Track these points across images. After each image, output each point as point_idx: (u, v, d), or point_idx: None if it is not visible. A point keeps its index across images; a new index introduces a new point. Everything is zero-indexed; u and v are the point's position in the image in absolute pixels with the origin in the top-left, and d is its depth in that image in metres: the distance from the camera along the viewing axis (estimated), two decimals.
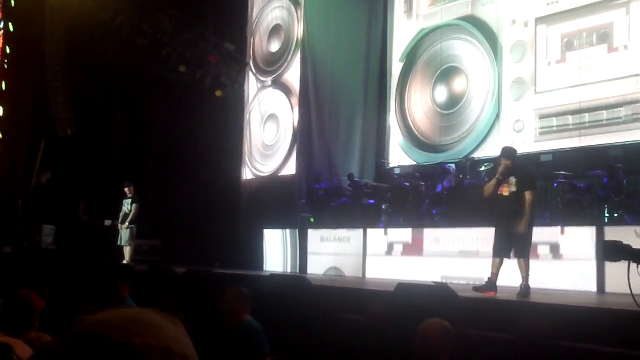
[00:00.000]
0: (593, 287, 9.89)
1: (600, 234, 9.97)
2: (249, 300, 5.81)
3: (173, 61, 18.59)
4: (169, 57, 18.47)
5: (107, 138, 21.25)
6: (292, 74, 18.24)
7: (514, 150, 9.32)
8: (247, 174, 19.22)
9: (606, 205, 11.83)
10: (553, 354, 6.09)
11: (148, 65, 19.21)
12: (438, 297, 7.29)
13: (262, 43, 19.41)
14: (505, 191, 8.78)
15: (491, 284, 8.82)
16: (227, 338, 5.63)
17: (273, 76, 18.86)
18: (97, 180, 20.17)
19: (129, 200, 15.45)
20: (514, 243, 8.69)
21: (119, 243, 15.43)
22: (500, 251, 8.82)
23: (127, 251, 15.37)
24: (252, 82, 19.58)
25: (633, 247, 6.25)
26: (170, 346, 1.07)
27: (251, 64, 19.53)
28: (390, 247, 13.16)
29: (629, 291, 6.30)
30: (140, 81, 20.07)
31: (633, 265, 6.15)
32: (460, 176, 13.96)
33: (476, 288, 8.87)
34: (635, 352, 5.22)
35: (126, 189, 15.59)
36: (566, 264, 10.38)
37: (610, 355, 5.76)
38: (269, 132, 18.80)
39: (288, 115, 18.19)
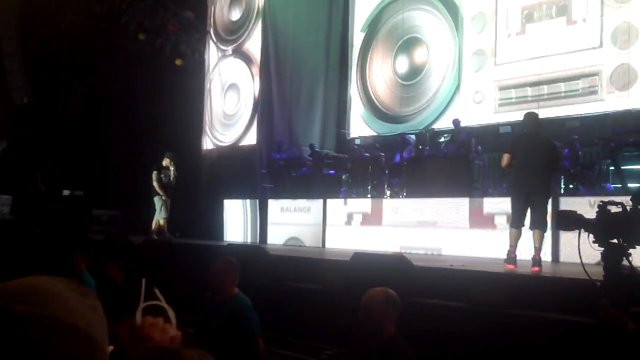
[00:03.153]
0: (548, 257, 10.00)
1: (556, 205, 10.07)
2: (237, 272, 5.50)
3: (132, 29, 18.30)
4: (128, 25, 18.19)
5: (65, 107, 20.89)
6: (253, 44, 18.08)
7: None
8: (207, 144, 19.08)
9: (562, 177, 11.98)
10: (505, 322, 6.18)
11: (107, 33, 18.88)
12: (394, 267, 7.33)
13: (223, 11, 19.18)
14: None
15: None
16: (215, 313, 5.37)
17: (234, 45, 18.68)
18: (55, 150, 19.85)
19: (171, 172, 14.41)
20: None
21: (161, 217, 14.52)
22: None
23: (163, 223, 14.59)
24: (212, 51, 19.37)
25: (586, 216, 6.34)
26: (59, 316, 1.00)
27: (212, 33, 19.31)
28: (349, 218, 13.19)
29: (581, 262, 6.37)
30: (99, 49, 19.73)
31: (585, 235, 6.23)
32: (420, 147, 14.01)
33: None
34: (583, 319, 5.31)
35: (168, 160, 14.48)
36: (523, 233, 10.47)
37: (560, 322, 5.86)
38: (229, 101, 18.65)
39: (249, 85, 18.06)
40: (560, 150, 10.28)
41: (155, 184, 14.32)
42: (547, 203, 8.42)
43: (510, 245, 8.49)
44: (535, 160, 8.28)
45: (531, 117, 8.93)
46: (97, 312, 1.09)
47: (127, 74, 20.18)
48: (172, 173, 14.36)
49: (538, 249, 8.21)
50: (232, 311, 5.32)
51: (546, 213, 8.41)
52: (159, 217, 14.51)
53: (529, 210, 8.40)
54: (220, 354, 3.16)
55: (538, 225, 8.30)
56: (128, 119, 20.14)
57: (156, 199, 14.40)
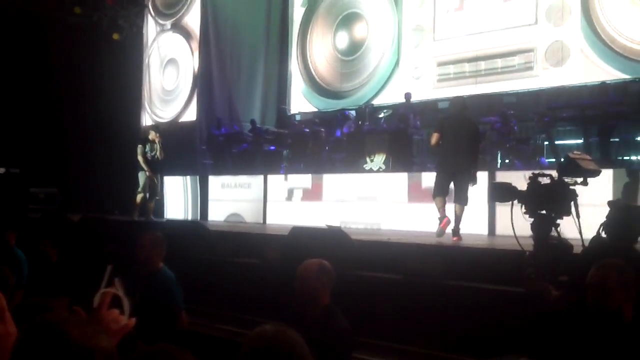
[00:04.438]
0: (485, 230, 10.21)
1: (492, 179, 10.24)
2: (165, 246, 5.58)
3: (68, 2, 17.87)
4: None
5: None
6: (192, 18, 17.85)
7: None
8: (146, 120, 18.83)
9: (498, 151, 12.20)
10: (440, 292, 6.30)
11: (41, 6, 18.40)
12: (331, 240, 7.40)
13: None
14: None
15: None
16: (139, 286, 5.39)
17: (173, 19, 18.42)
18: None
19: (158, 146, 13.52)
20: None
21: (143, 192, 13.49)
22: None
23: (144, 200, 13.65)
24: (151, 26, 19.06)
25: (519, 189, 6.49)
26: None
27: (150, 7, 18.98)
28: (290, 193, 13.21)
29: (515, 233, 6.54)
30: (33, 23, 19.22)
31: (519, 208, 6.38)
32: (360, 122, 14.09)
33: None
34: (514, 289, 5.45)
35: (154, 134, 13.69)
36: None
37: (492, 292, 6.01)
38: (168, 77, 18.42)
39: (188, 60, 17.85)
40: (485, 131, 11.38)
41: (139, 158, 13.41)
42: (469, 180, 8.89)
43: (439, 209, 8.97)
44: (461, 141, 8.80)
45: (458, 100, 9.71)
46: None
47: (62, 49, 19.73)
48: (158, 147, 13.51)
49: (459, 221, 8.87)
50: (157, 285, 5.37)
51: (467, 189, 8.90)
52: (142, 193, 13.57)
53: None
54: (144, 328, 3.16)
55: (460, 200, 8.88)
56: (64, 94, 19.73)
57: (140, 175, 13.56)
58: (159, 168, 13.67)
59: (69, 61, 19.34)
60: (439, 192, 8.97)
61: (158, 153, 13.44)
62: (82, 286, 4.46)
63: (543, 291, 4.41)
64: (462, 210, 8.91)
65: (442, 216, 8.92)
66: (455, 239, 8.68)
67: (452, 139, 8.84)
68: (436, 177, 9.16)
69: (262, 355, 1.96)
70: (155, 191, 13.62)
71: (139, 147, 13.45)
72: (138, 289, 5.30)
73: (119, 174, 17.49)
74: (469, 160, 8.94)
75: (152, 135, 13.58)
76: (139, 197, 13.57)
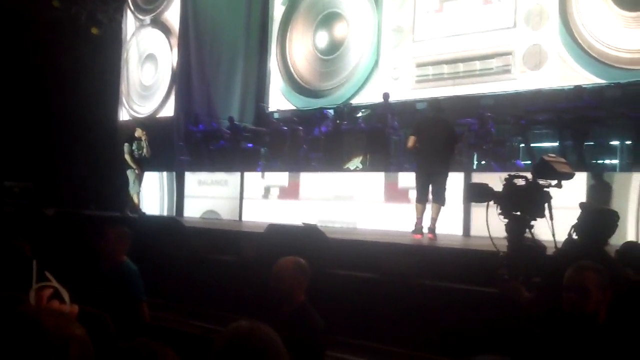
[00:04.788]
0: (460, 231, 10.28)
1: (468, 181, 10.31)
2: (129, 241, 5.65)
3: None
4: None
5: None
6: (172, 14, 17.80)
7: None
8: (124, 115, 18.73)
9: (475, 153, 12.27)
10: (415, 292, 6.34)
11: (18, 1, 18.24)
12: (307, 238, 7.41)
13: None
14: None
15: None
16: (102, 280, 5.46)
17: (152, 15, 18.35)
18: None
19: (144, 143, 13.28)
20: None
21: (134, 190, 13.44)
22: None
23: (136, 199, 13.57)
24: (130, 21, 18.98)
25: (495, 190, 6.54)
26: None
27: (129, 2, 18.89)
28: (267, 191, 13.22)
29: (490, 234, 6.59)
30: (10, 16, 19.04)
31: (494, 209, 6.42)
32: (338, 121, 14.11)
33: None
34: (487, 289, 5.49)
35: (141, 131, 13.43)
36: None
37: (468, 293, 6.05)
38: (147, 72, 18.34)
39: (167, 55, 17.79)
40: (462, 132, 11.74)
41: (126, 156, 13.24)
42: (446, 181, 9.22)
43: (417, 218, 9.33)
44: (437, 142, 9.09)
45: (433, 103, 10.25)
46: None
47: (39, 43, 19.56)
48: (144, 144, 13.29)
49: (434, 220, 9.17)
50: (119, 278, 5.43)
51: (445, 190, 9.22)
52: (134, 192, 13.48)
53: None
54: None
55: (437, 200, 9.18)
56: (41, 88, 19.57)
57: (129, 173, 13.34)
58: (145, 165, 13.54)
59: (46, 55, 19.19)
60: (421, 198, 9.26)
61: (145, 151, 13.25)
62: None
63: (515, 292, 4.45)
64: (439, 210, 9.18)
65: (419, 227, 9.25)
66: (430, 236, 9.03)
67: (429, 141, 9.06)
68: (416, 180, 9.40)
69: (236, 351, 1.97)
70: (140, 186, 13.58)
71: (126, 145, 13.28)
72: (99, 283, 5.40)
73: (95, 168, 17.40)
74: (447, 161, 9.23)
75: (138, 132, 13.41)
76: (135, 195, 13.46)
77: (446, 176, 9.20)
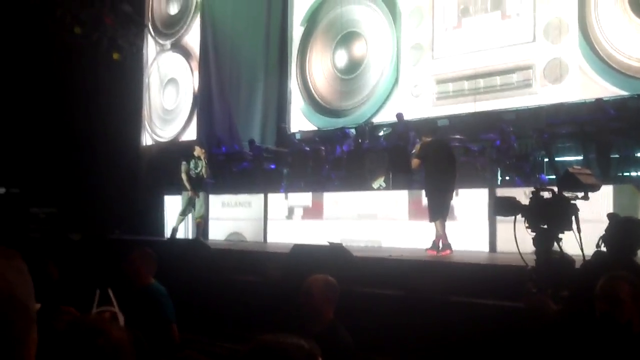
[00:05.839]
0: (486, 247, 10.22)
1: (493, 196, 10.27)
2: (155, 263, 5.69)
3: (68, 22, 17.97)
4: (63, 17, 17.84)
5: None
6: (192, 38, 17.97)
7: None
8: (147, 139, 18.89)
9: (498, 168, 12.22)
10: (442, 308, 6.30)
11: (41, 26, 18.50)
12: (333, 257, 7.41)
13: (161, 5, 19.01)
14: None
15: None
16: (130, 302, 5.48)
17: (172, 39, 18.54)
18: None
19: (203, 162, 12.99)
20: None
21: (197, 216, 13.04)
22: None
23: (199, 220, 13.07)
24: (151, 46, 19.19)
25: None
26: None
27: (150, 27, 19.11)
28: (291, 212, 13.23)
29: (517, 250, 6.55)
30: (34, 43, 19.32)
31: (522, 223, 6.39)
32: (360, 140, 14.12)
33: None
34: (516, 304, 5.45)
35: (200, 149, 13.17)
36: (460, 225, 10.68)
37: (494, 308, 6.01)
38: (168, 96, 18.50)
39: (188, 79, 17.94)
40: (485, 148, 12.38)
41: (183, 176, 12.75)
42: (451, 198, 9.73)
43: (442, 235, 9.52)
44: (445, 162, 9.56)
45: (433, 126, 11.18)
46: (23, 274, 1.12)
47: (63, 69, 19.81)
48: (203, 163, 12.87)
49: (444, 236, 9.46)
50: (147, 300, 5.46)
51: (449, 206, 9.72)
52: (182, 217, 13.18)
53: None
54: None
55: (438, 217, 9.48)
56: (65, 114, 19.80)
57: (182, 196, 13.05)
58: (203, 186, 13.08)
59: (69, 81, 19.41)
60: (441, 215, 9.53)
61: (203, 170, 12.84)
62: (83, 303, 4.50)
63: (542, 305, 4.41)
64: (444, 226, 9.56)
65: (447, 243, 9.40)
66: (447, 252, 9.28)
67: (437, 161, 9.50)
68: (437, 199, 9.57)
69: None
70: (201, 209, 13.06)
71: (183, 165, 12.82)
72: (129, 305, 5.40)
73: (119, 193, 17.53)
74: (453, 179, 9.63)
75: (197, 151, 12.99)
76: (178, 219, 13.10)
77: (452, 193, 9.73)
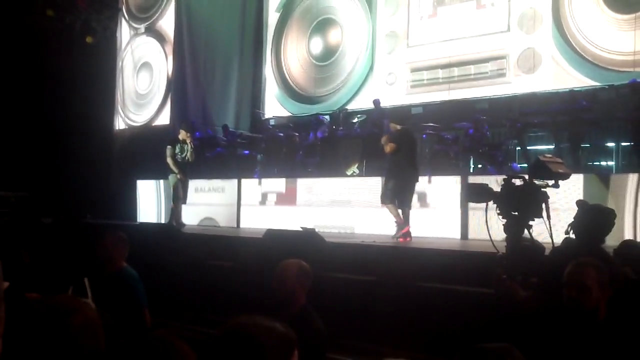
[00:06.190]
0: (457, 234, 10.31)
1: (465, 184, 10.35)
2: (127, 247, 5.66)
3: (40, 4, 17.74)
4: (35, 0, 17.61)
5: None
6: (167, 22, 17.82)
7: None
8: (120, 123, 18.75)
9: (471, 157, 12.31)
10: (413, 294, 6.36)
11: (13, 9, 18.24)
12: (306, 242, 7.44)
13: None
14: None
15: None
16: (102, 286, 5.46)
17: (147, 23, 18.38)
18: None
19: (189, 147, 12.54)
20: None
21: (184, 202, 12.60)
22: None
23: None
24: (124, 29, 19.00)
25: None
26: None
27: (124, 10, 18.92)
28: (264, 197, 13.23)
29: (488, 237, 6.62)
30: (4, 25, 19.05)
31: (493, 211, 6.45)
32: (334, 127, 14.14)
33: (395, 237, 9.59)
34: (488, 290, 5.51)
35: (185, 133, 12.67)
36: (433, 212, 10.77)
37: (466, 294, 6.07)
38: (142, 81, 18.36)
39: (162, 63, 17.81)
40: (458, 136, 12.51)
41: (169, 160, 12.34)
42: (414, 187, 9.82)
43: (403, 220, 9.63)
44: (414, 152, 9.86)
45: (406, 117, 11.30)
46: None
47: (35, 52, 19.57)
48: (189, 148, 12.49)
49: (403, 221, 9.55)
50: (119, 284, 5.43)
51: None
52: (177, 201, 12.58)
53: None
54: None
55: (408, 204, 9.67)
56: (36, 97, 19.58)
57: (170, 179, 12.53)
58: (189, 171, 12.72)
59: (41, 64, 19.19)
60: (409, 202, 9.69)
61: (189, 155, 12.49)
62: (53, 286, 4.49)
63: (511, 291, 4.47)
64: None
65: (408, 230, 9.48)
66: (409, 239, 9.35)
67: (409, 149, 9.70)
68: (405, 186, 9.63)
69: (232, 342, 1.94)
70: (184, 195, 12.67)
71: (168, 149, 12.45)
72: (101, 289, 5.39)
73: (92, 177, 17.41)
74: (418, 169, 9.84)
75: (182, 135, 12.61)
76: (178, 205, 12.55)
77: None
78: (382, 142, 9.95)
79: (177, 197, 12.50)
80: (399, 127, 9.87)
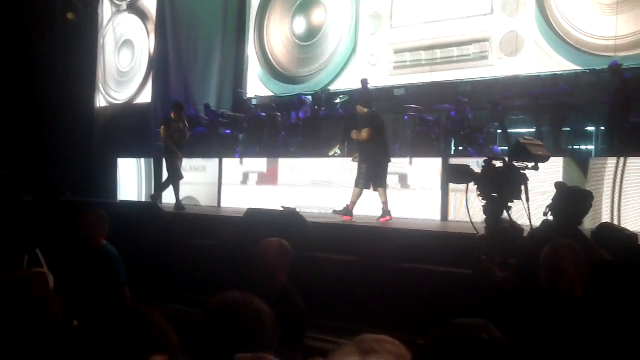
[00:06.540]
0: (437, 216, 10.38)
1: (446, 165, 10.41)
2: (107, 224, 5.65)
3: None
4: None
5: None
6: None
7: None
8: (100, 101, 18.62)
9: (452, 138, 12.35)
10: (393, 274, 6.40)
11: None
12: (286, 222, 7.45)
13: None
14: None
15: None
16: (82, 263, 5.45)
17: (129, 0, 18.20)
18: None
19: (182, 125, 12.28)
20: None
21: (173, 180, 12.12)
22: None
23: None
24: (106, 6, 18.83)
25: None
26: None
27: None
28: (245, 177, 13.22)
29: (468, 219, 6.67)
30: None
31: (473, 192, 6.51)
32: (316, 107, 14.13)
33: (336, 211, 9.69)
34: (467, 271, 5.56)
35: (177, 112, 12.35)
36: (413, 193, 10.81)
37: (446, 274, 6.12)
38: (123, 58, 18.22)
39: (144, 41, 17.68)
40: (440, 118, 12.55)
41: (167, 140, 12.00)
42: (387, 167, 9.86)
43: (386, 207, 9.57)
44: (383, 132, 9.92)
45: (371, 99, 10.95)
46: None
47: (14, 28, 19.34)
48: (182, 126, 12.21)
49: (386, 202, 9.55)
50: (99, 261, 5.44)
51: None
52: (173, 181, 12.18)
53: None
54: (88, 304, 3.19)
55: (385, 184, 9.70)
56: (16, 74, 19.37)
57: (165, 158, 12.26)
58: (182, 150, 12.36)
59: (21, 40, 18.95)
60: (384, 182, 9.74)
61: (183, 133, 12.20)
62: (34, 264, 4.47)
63: (488, 272, 4.52)
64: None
65: (387, 209, 9.50)
66: (387, 218, 9.37)
67: (382, 131, 9.80)
68: (378, 167, 9.64)
69: (223, 318, 1.96)
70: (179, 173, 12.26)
71: (162, 129, 12.16)
72: (81, 266, 5.40)
73: (72, 154, 17.30)
74: (389, 147, 10.10)
75: (173, 114, 12.32)
76: (176, 186, 12.13)
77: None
78: (352, 136, 9.96)
79: (178, 176, 12.19)
80: (365, 109, 9.82)
